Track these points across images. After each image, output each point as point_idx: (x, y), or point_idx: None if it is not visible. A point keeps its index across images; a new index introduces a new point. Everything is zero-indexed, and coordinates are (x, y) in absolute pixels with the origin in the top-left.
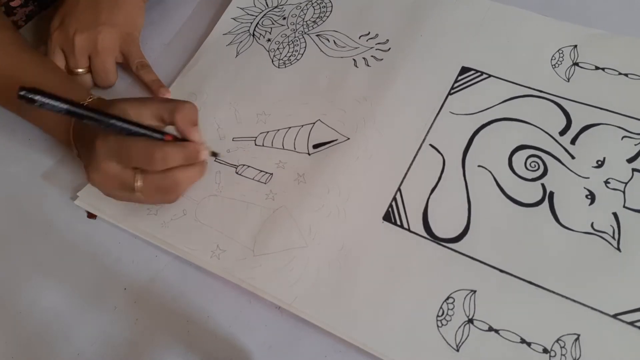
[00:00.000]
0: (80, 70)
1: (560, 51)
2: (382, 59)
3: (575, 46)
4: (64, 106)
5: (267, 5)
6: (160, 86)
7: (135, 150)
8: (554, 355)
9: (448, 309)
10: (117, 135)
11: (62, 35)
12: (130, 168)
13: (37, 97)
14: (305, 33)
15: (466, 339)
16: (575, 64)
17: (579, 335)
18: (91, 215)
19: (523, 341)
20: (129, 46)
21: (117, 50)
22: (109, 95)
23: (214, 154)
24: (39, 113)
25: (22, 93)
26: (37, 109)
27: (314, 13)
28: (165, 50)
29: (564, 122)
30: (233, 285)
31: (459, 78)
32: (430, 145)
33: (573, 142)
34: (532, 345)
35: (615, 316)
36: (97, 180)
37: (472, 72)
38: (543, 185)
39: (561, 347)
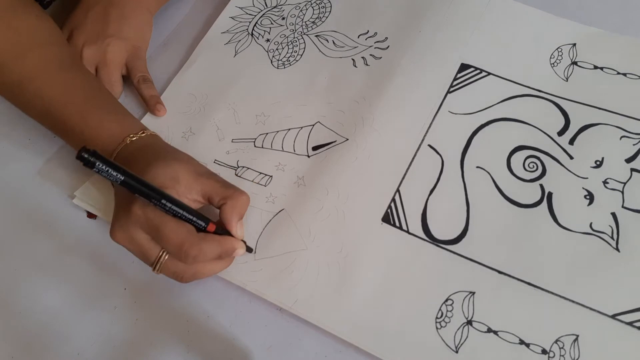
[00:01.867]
0: None
1: (559, 49)
2: (381, 58)
3: (574, 44)
4: (121, 178)
5: (266, 5)
6: (157, 102)
7: (172, 237)
8: (553, 356)
9: (447, 310)
10: (157, 209)
11: (71, 47)
12: (159, 246)
13: (97, 163)
14: (304, 33)
15: (465, 340)
16: (574, 63)
17: (577, 335)
18: (91, 215)
19: (522, 342)
20: (135, 60)
21: (123, 62)
22: None
23: (249, 250)
24: (83, 138)
25: (83, 155)
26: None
27: (313, 13)
28: (162, 48)
29: (562, 122)
30: (233, 286)
31: (458, 75)
32: (429, 146)
33: (571, 142)
34: (531, 346)
35: (614, 316)
36: (120, 238)
37: (472, 69)
38: (541, 186)
39: (560, 348)
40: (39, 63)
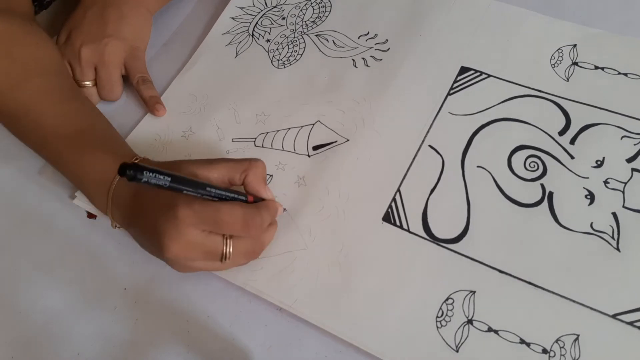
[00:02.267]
0: (86, 82)
1: (560, 50)
2: (381, 59)
3: (575, 45)
4: (168, 180)
5: (266, 5)
6: (157, 102)
7: (232, 217)
8: (554, 356)
9: (447, 309)
10: (202, 201)
11: (69, 48)
12: (220, 235)
13: (145, 175)
14: (304, 33)
15: (466, 339)
16: (575, 63)
17: (578, 335)
18: (91, 215)
19: (522, 341)
20: (134, 60)
21: (122, 63)
22: (111, 106)
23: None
24: (79, 172)
25: (129, 173)
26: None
27: (313, 13)
28: (164, 48)
29: (563, 122)
30: (233, 286)
31: (458, 78)
32: (430, 146)
33: (572, 142)
34: (532, 346)
35: (614, 316)
36: (177, 251)
37: (472, 72)
38: (542, 186)
39: (560, 348)
40: (36, 94)
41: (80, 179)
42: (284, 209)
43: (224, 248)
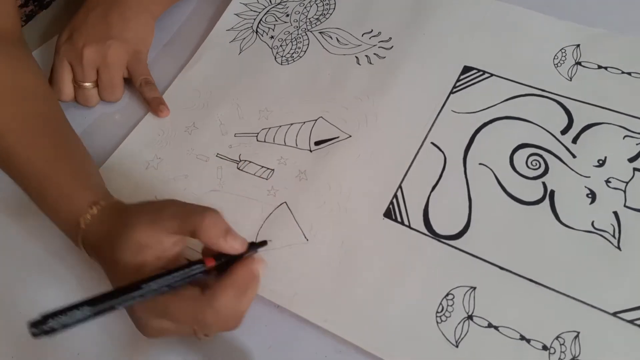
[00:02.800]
0: (87, 84)
1: (563, 50)
2: (384, 57)
3: (578, 45)
4: (88, 314)
5: (270, 2)
6: (160, 103)
7: (178, 315)
8: (554, 352)
9: (448, 305)
10: (153, 298)
11: (70, 48)
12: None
13: (53, 325)
14: (308, 30)
15: (465, 335)
16: (578, 63)
17: (578, 332)
18: None
19: (522, 338)
20: (137, 63)
21: (125, 65)
22: (114, 103)
23: (263, 244)
24: (48, 210)
25: (34, 331)
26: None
27: (317, 10)
28: (166, 47)
29: (565, 121)
30: None
31: (461, 77)
32: (432, 143)
33: (574, 141)
34: (532, 342)
35: (615, 314)
36: (152, 335)
37: (474, 71)
38: (544, 184)
39: (561, 344)
40: (10, 121)
41: (51, 216)
42: (265, 242)
43: (197, 334)
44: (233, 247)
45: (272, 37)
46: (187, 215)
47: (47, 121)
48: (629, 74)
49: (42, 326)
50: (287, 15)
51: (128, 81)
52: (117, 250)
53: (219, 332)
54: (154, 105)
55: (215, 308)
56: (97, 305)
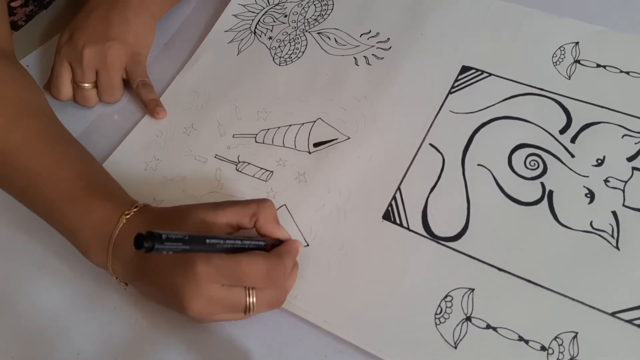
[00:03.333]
0: (86, 85)
1: (562, 48)
2: (382, 58)
3: (577, 43)
4: (187, 247)
5: (268, 2)
6: (157, 105)
7: (254, 270)
8: (552, 353)
9: (446, 306)
10: (221, 255)
11: (71, 48)
12: (242, 287)
13: (166, 246)
14: (306, 31)
15: (464, 336)
16: (577, 61)
17: (577, 333)
18: None
19: (521, 339)
20: (135, 65)
21: (124, 66)
22: (113, 105)
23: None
24: (71, 222)
25: (147, 245)
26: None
27: (315, 11)
28: (165, 48)
29: (564, 121)
30: None
31: (460, 77)
32: (430, 144)
33: (573, 140)
34: (530, 343)
35: (613, 314)
36: (200, 308)
37: (473, 71)
38: (542, 184)
39: (559, 345)
40: (27, 134)
41: (72, 230)
42: (306, 244)
43: (247, 300)
44: (284, 232)
45: (270, 37)
46: (247, 202)
47: (63, 137)
48: (627, 73)
49: (151, 243)
50: (285, 16)
51: (127, 82)
52: (179, 224)
53: (269, 307)
54: (151, 107)
55: (284, 265)
56: (193, 244)
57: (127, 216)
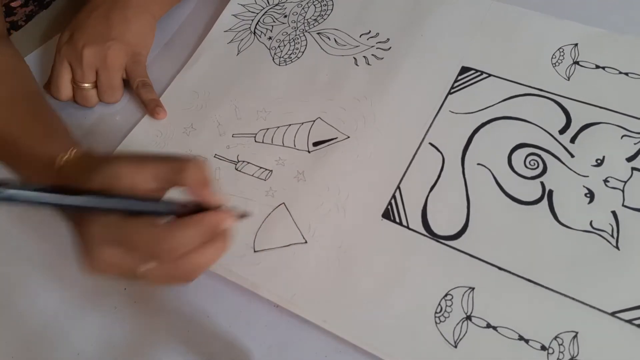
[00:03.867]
0: (86, 85)
1: (561, 49)
2: (382, 58)
3: (576, 45)
4: (45, 199)
5: (268, 2)
6: (157, 105)
7: (137, 238)
8: (552, 353)
9: (446, 305)
10: (118, 217)
11: (71, 48)
12: (135, 255)
13: (8, 193)
14: (306, 31)
15: (464, 335)
16: (576, 62)
17: (577, 332)
18: None
19: (521, 338)
20: (135, 65)
21: (124, 66)
22: (113, 105)
23: (243, 216)
24: (13, 165)
25: None
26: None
27: (315, 11)
28: (165, 48)
29: (563, 121)
30: (233, 285)
31: (459, 78)
32: (430, 143)
33: (573, 140)
34: (530, 342)
35: (613, 314)
36: (92, 266)
37: (472, 71)
38: (542, 184)
39: (559, 345)
40: None
41: (18, 171)
42: (246, 214)
43: (140, 270)
44: (213, 197)
45: (270, 38)
46: (174, 158)
47: (19, 94)
48: (626, 74)
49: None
50: (285, 16)
51: (127, 82)
52: (91, 173)
53: (168, 281)
54: (151, 107)
55: (175, 239)
56: (56, 192)
57: (65, 159)
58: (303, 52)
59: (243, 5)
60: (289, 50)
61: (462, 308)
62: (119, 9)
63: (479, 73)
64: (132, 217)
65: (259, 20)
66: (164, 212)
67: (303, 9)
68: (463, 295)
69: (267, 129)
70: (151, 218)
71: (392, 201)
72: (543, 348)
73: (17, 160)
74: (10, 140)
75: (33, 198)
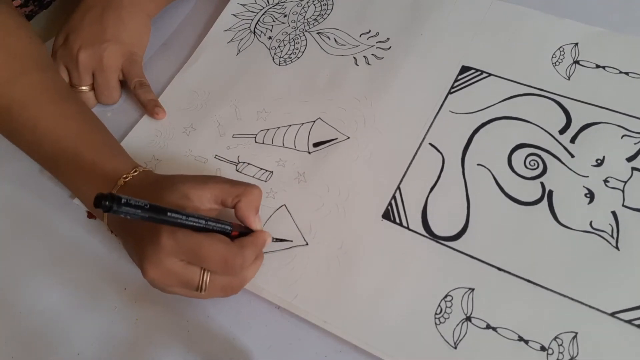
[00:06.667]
0: (83, 87)
1: (561, 49)
2: (382, 58)
3: (576, 44)
4: (145, 215)
5: (268, 2)
6: (156, 106)
7: (213, 254)
8: (552, 353)
9: (446, 306)
10: (186, 231)
11: (66, 51)
12: (198, 267)
13: (123, 209)
14: (306, 31)
15: (464, 336)
16: (576, 62)
17: (576, 333)
18: (91, 215)
19: (521, 339)
20: (132, 65)
21: (120, 67)
22: (111, 105)
23: (276, 239)
24: (76, 177)
25: (105, 203)
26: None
27: (314, 11)
28: (164, 48)
29: (564, 121)
30: None
31: (459, 77)
32: (430, 144)
33: (573, 140)
34: (530, 343)
35: (613, 314)
36: (155, 276)
37: (472, 71)
38: (542, 184)
39: (559, 345)
40: (33, 89)
41: (76, 185)
42: (274, 239)
43: (200, 281)
44: (258, 223)
45: (269, 37)
46: (236, 182)
47: (67, 93)
48: (627, 73)
49: (107, 202)
50: (285, 16)
51: (125, 83)
52: (164, 192)
53: (222, 292)
54: (150, 107)
55: (244, 256)
56: (152, 212)
57: (126, 179)
58: (303, 52)
59: (243, 5)
60: (289, 50)
61: (462, 309)
62: (113, 9)
63: (479, 72)
64: (199, 233)
65: (258, 20)
66: (228, 231)
67: (303, 8)
68: (463, 296)
69: (268, 129)
70: (217, 235)
71: (392, 202)
72: (543, 349)
73: (76, 175)
74: (73, 154)
75: (138, 214)
